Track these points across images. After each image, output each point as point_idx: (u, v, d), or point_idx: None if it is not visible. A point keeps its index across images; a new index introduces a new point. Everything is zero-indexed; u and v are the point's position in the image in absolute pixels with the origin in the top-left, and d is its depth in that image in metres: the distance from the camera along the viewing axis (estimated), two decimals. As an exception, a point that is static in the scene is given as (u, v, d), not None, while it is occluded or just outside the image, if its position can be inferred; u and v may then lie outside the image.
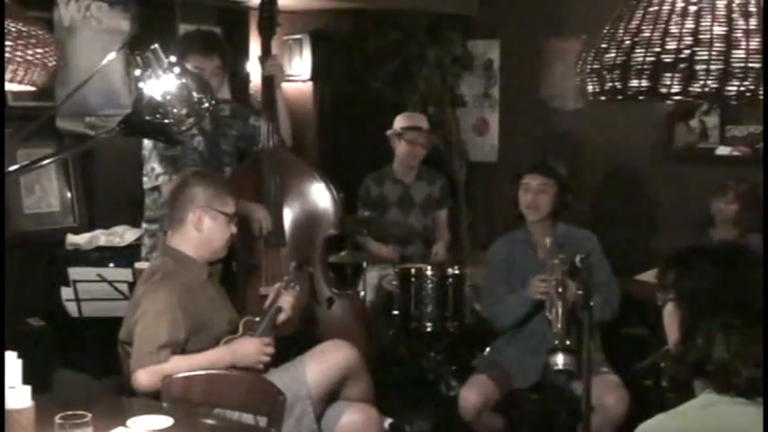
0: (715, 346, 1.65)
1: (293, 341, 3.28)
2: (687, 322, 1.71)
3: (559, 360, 3.20)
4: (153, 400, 2.74)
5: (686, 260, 1.79)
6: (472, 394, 3.51)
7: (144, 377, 2.79)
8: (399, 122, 4.91)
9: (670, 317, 1.77)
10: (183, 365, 2.82)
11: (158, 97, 2.31)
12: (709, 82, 1.58)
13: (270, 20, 3.89)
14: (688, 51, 1.60)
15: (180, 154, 3.70)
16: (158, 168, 3.71)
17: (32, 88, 2.26)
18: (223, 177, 3.69)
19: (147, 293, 2.91)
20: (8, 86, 2.21)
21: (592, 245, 3.65)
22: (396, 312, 4.43)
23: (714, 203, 4.23)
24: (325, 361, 3.05)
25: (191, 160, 3.73)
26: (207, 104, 2.43)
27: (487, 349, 3.86)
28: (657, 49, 1.63)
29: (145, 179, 3.78)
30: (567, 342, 3.22)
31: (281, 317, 3.14)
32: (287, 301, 3.15)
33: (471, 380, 3.61)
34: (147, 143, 3.75)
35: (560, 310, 3.31)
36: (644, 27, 1.66)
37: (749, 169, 4.33)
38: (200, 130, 3.72)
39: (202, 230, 3.01)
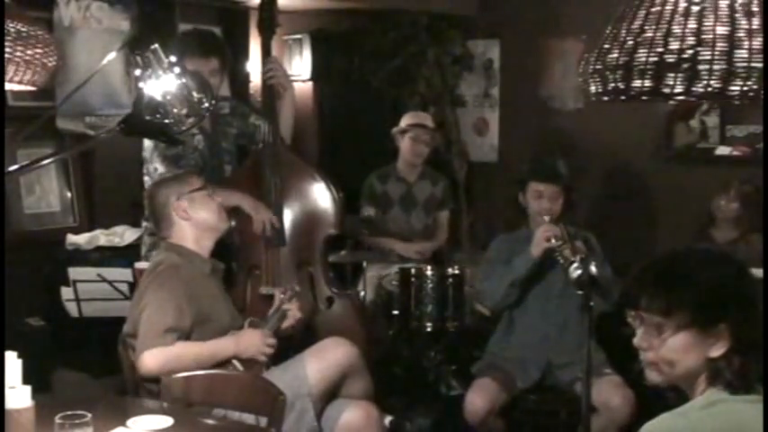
0: (719, 344, 1.64)
1: (293, 341, 3.28)
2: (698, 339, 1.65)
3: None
4: (153, 400, 2.75)
5: (676, 279, 1.71)
6: (479, 399, 3.46)
7: (150, 359, 2.80)
8: (405, 120, 4.92)
9: (682, 345, 1.67)
10: (187, 350, 2.85)
11: (158, 97, 2.30)
12: (712, 82, 1.58)
13: (270, 20, 3.87)
14: (691, 51, 1.59)
15: (181, 153, 3.69)
16: (161, 168, 3.70)
17: (32, 88, 2.26)
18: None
19: (151, 284, 2.94)
20: (8, 86, 2.21)
21: (591, 246, 3.64)
22: (396, 312, 4.42)
23: (716, 202, 4.23)
24: (325, 358, 3.06)
25: (191, 159, 3.73)
26: (207, 104, 2.42)
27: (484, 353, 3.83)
28: (660, 50, 1.62)
29: (146, 179, 3.77)
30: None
31: (288, 323, 3.17)
32: (293, 308, 3.19)
33: (476, 384, 3.55)
34: (147, 143, 3.74)
35: (572, 249, 3.27)
36: (646, 27, 1.65)
37: (749, 169, 4.33)
38: (200, 129, 3.70)
39: (191, 217, 3.06)
